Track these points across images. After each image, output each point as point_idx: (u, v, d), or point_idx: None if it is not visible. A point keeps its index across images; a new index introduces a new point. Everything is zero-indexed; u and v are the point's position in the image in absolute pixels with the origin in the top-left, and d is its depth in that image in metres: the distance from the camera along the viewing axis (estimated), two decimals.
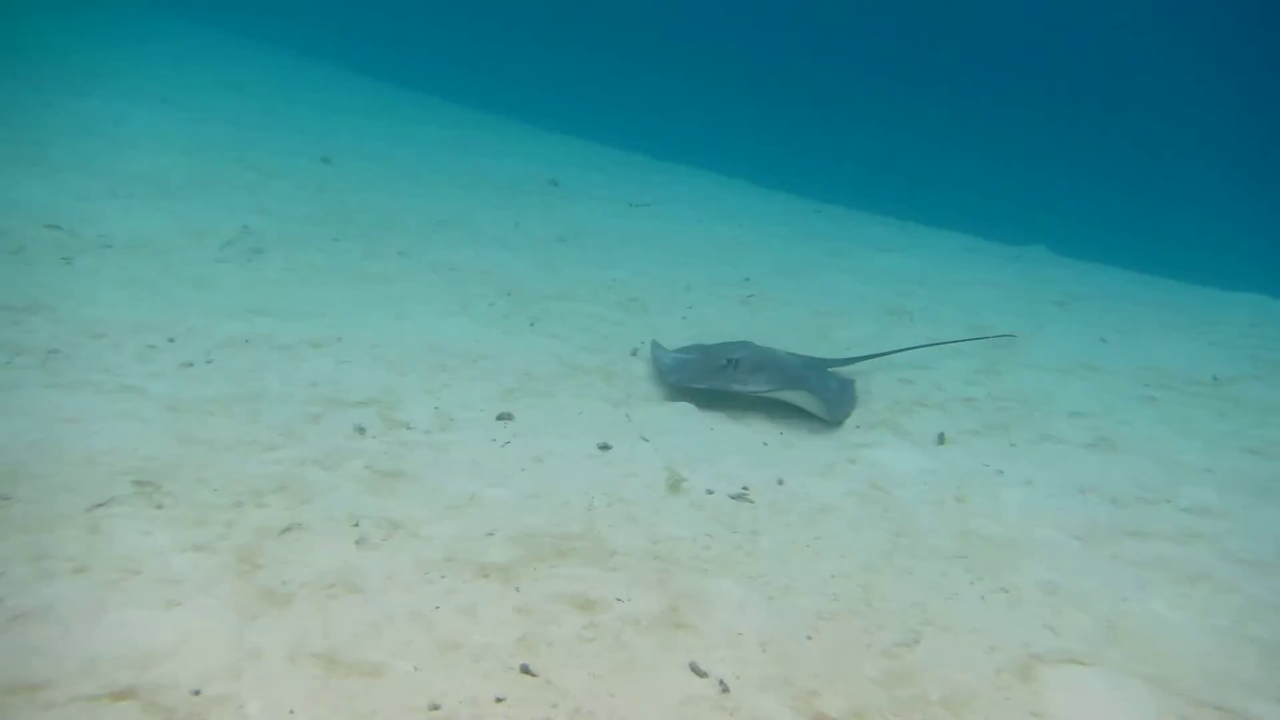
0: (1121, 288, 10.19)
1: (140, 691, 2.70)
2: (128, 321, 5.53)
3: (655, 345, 6.09)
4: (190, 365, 5.11)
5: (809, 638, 3.30)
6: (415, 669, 2.96)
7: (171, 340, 5.37)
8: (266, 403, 4.79)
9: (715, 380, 5.34)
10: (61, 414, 4.29)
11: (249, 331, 5.71)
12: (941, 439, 5.22)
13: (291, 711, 2.72)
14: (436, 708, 2.79)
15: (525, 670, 2.99)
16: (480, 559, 3.62)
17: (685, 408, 5.35)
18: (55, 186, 7.94)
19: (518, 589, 3.45)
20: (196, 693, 2.74)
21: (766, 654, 3.18)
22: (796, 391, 5.19)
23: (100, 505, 3.61)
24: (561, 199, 11.40)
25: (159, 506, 3.68)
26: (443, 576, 3.48)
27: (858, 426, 5.38)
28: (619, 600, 3.43)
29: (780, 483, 4.53)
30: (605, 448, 4.76)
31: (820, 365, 6.01)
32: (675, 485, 4.40)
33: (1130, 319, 8.43)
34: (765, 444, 5.01)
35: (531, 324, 6.65)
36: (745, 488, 4.44)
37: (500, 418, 4.99)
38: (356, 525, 3.76)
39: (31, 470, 3.77)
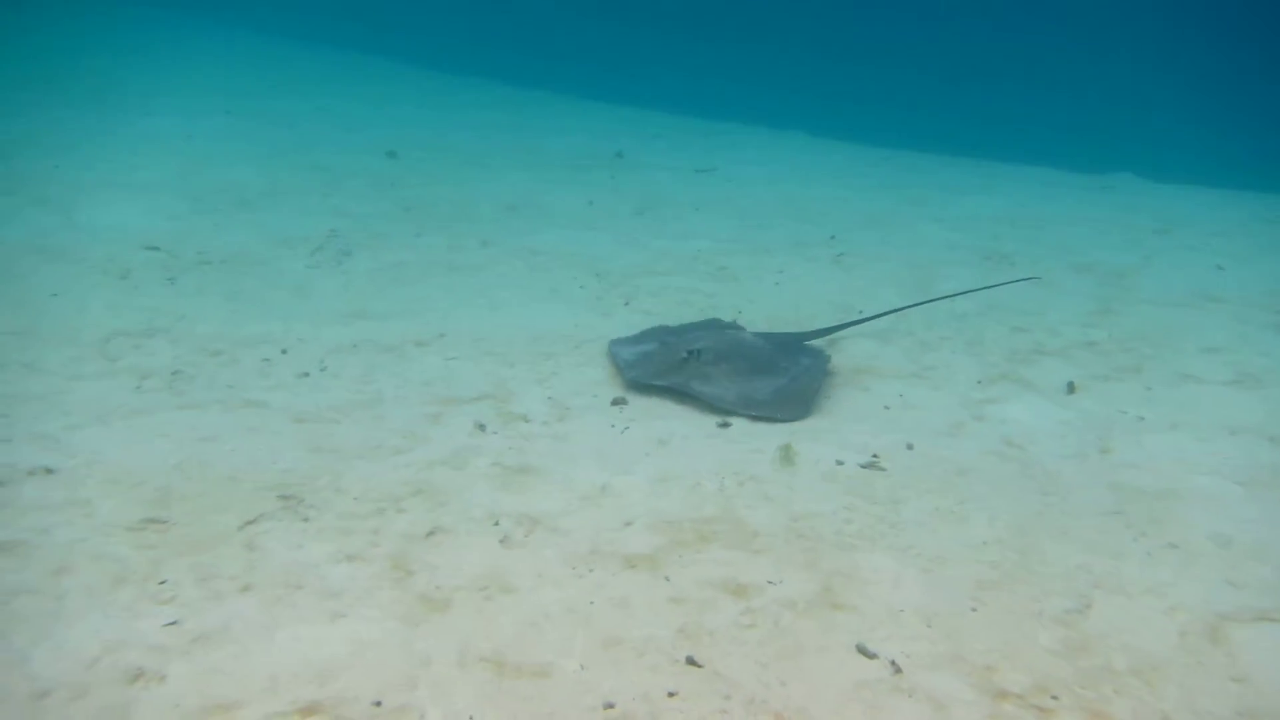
0: (1224, 209, 9.72)
1: (325, 706, 2.76)
2: (239, 336, 5.64)
3: (613, 342, 5.56)
4: (307, 375, 5.19)
5: (973, 609, 3.22)
6: (582, 667, 2.97)
7: (284, 351, 5.45)
8: (385, 406, 4.84)
9: (676, 375, 4.89)
10: (196, 433, 4.39)
11: (355, 336, 5.78)
12: (1071, 388, 5.04)
13: (471, 717, 2.75)
14: (611, 706, 2.80)
15: (691, 662, 2.98)
16: (624, 549, 3.62)
17: None
18: (146, 207, 8.13)
19: (667, 578, 3.43)
20: (378, 704, 2.78)
21: (933, 630, 3.12)
22: (756, 411, 4.72)
23: (251, 522, 3.69)
24: (627, 171, 11.30)
25: (305, 519, 3.75)
26: (591, 570, 3.48)
27: (979, 381, 5.22)
28: (771, 583, 3.39)
29: (910, 447, 4.42)
30: (725, 425, 4.71)
31: (793, 342, 5.45)
32: (802, 458, 4.33)
33: (1243, 242, 8.03)
34: (886, 408, 4.90)
35: (626, 303, 6.60)
36: (875, 455, 4.35)
37: (615, 403, 4.97)
38: (497, 524, 3.78)
39: (181, 492, 3.87)
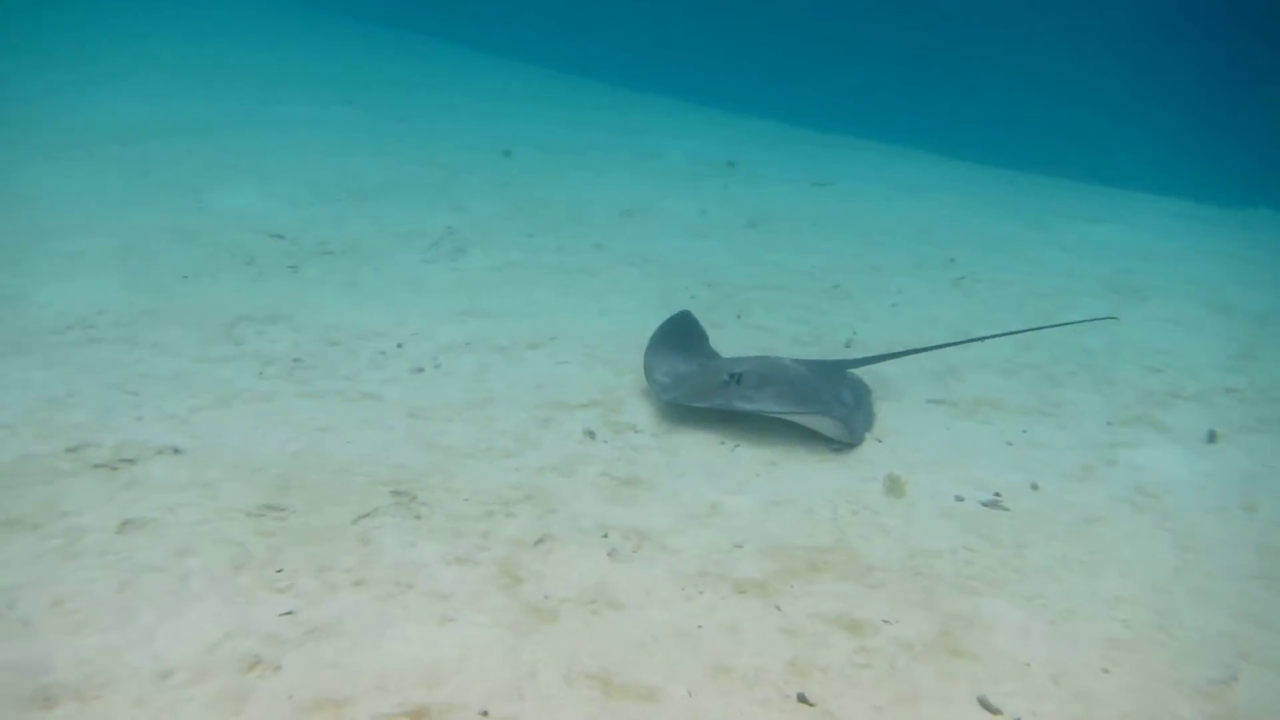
0: None
1: (433, 711, 2.75)
2: (357, 327, 5.76)
3: (649, 349, 5.29)
4: (421, 370, 5.26)
5: (1105, 671, 3.02)
6: (689, 694, 2.89)
7: (400, 346, 5.54)
8: (496, 407, 4.86)
9: (716, 398, 4.65)
10: (315, 423, 4.49)
11: (468, 334, 5.84)
12: (1212, 436, 4.73)
13: None
14: None
15: (803, 699, 2.87)
16: (733, 574, 3.53)
17: (916, 403, 5.08)
18: (271, 194, 8.41)
19: (778, 607, 3.32)
20: (484, 714, 2.76)
21: (1062, 689, 2.93)
22: (813, 416, 4.54)
23: (365, 516, 3.73)
24: (741, 181, 11.18)
25: (417, 517, 3.77)
26: (700, 592, 3.40)
27: (1109, 423, 4.94)
28: (886, 622, 3.25)
29: (1035, 488, 4.21)
30: (838, 449, 4.57)
31: (833, 370, 5.18)
32: (920, 491, 4.16)
33: None
34: (1009, 444, 4.68)
35: (738, 316, 6.51)
36: (997, 494, 4.15)
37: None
38: (605, 536, 3.74)
39: (299, 480, 3.95)
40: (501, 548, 3.61)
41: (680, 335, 5.51)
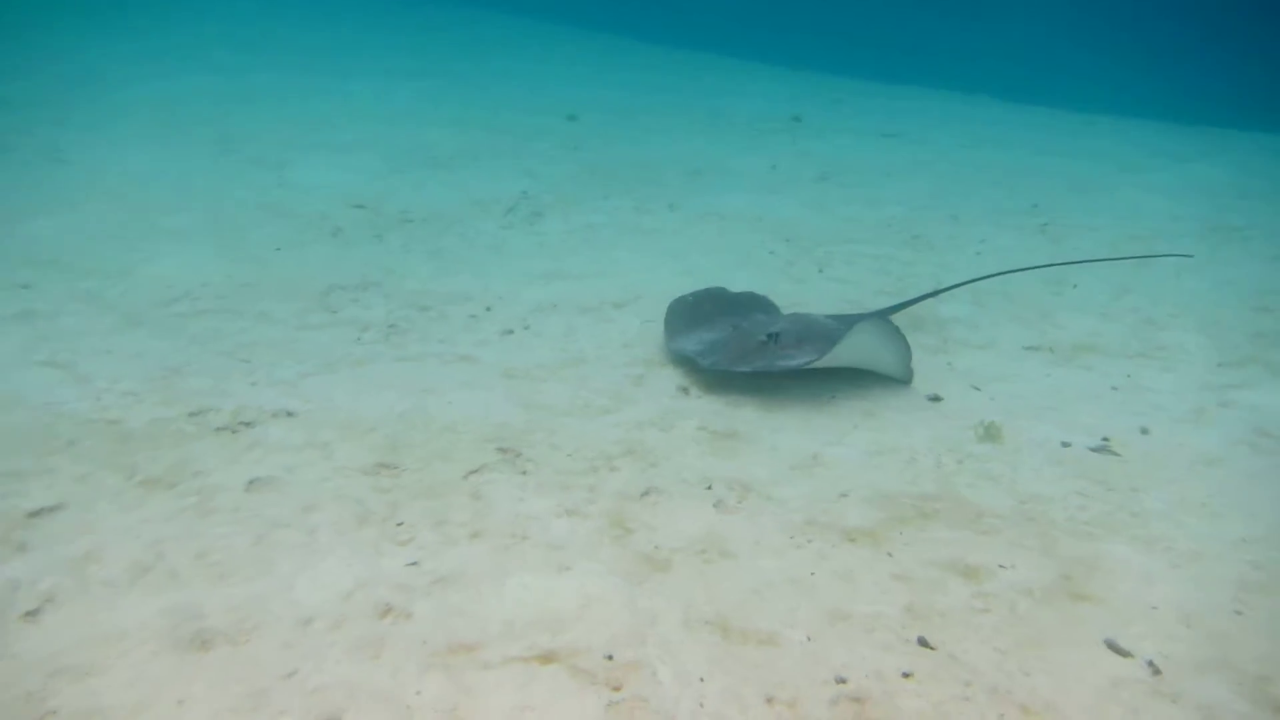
0: None
1: (561, 655, 2.82)
2: (445, 292, 5.86)
3: (670, 313, 5.22)
4: (511, 332, 5.33)
5: (1239, 613, 2.96)
6: (808, 638, 2.92)
7: (489, 309, 5.63)
8: (589, 366, 4.91)
9: (758, 359, 4.52)
10: (416, 385, 4.59)
11: (553, 296, 5.90)
12: None
13: (702, 679, 2.75)
14: (843, 681, 2.73)
15: (923, 643, 2.87)
16: (841, 522, 3.53)
17: (1012, 351, 4.99)
18: (350, 167, 8.56)
19: (890, 554, 3.32)
20: (609, 658, 2.82)
21: (1193, 631, 2.88)
22: (863, 350, 4.46)
23: (474, 472, 3.82)
24: (809, 135, 11.02)
25: (524, 473, 3.85)
26: (809, 541, 3.42)
27: (1219, 365, 4.80)
28: (1002, 567, 3.23)
29: (1144, 432, 4.11)
30: (936, 399, 4.53)
31: (865, 319, 4.98)
32: (1025, 438, 4.10)
33: None
34: (1114, 389, 4.58)
35: (820, 270, 6.45)
36: (1105, 439, 4.07)
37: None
38: (709, 488, 3.77)
39: (407, 440, 4.05)
40: (609, 501, 3.67)
41: (696, 307, 5.31)
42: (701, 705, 2.64)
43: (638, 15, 21.66)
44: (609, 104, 12.59)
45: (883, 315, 5.12)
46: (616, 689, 2.70)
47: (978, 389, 4.61)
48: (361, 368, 4.74)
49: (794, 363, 4.43)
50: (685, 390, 4.66)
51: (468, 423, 4.25)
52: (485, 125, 10.73)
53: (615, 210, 7.87)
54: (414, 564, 3.19)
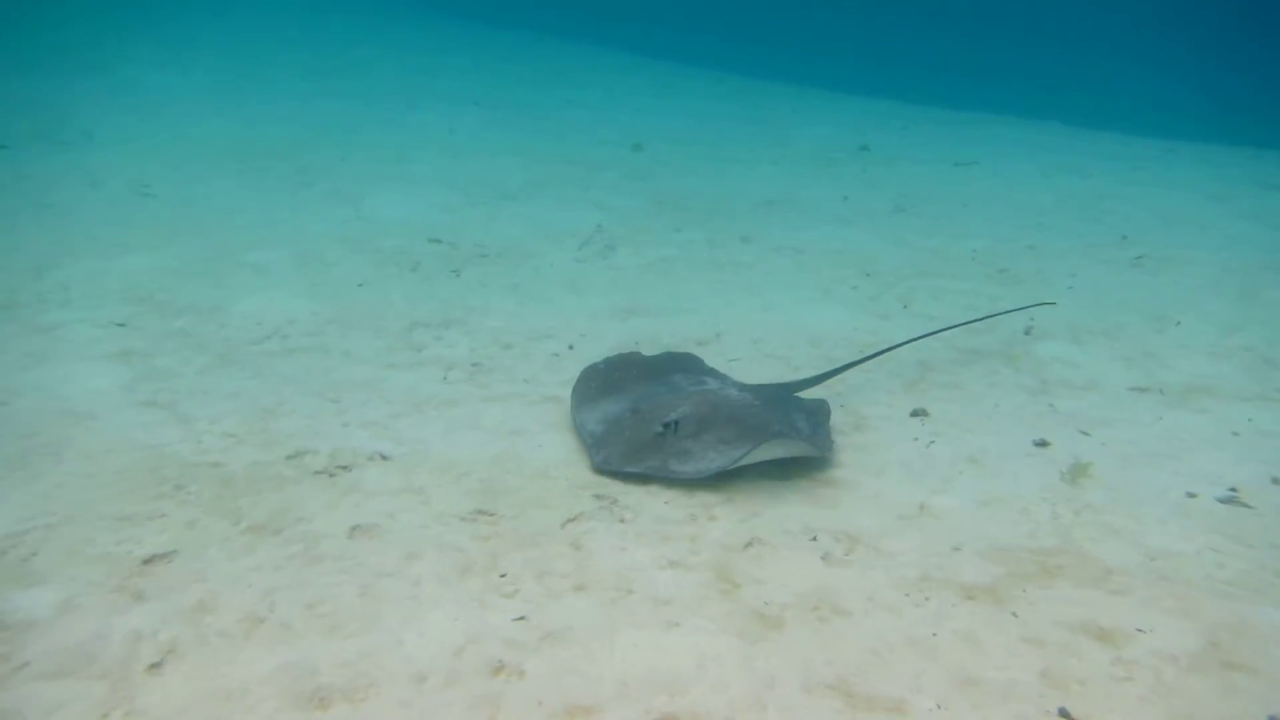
0: None
1: (681, 719, 2.72)
2: (526, 329, 5.83)
3: (575, 395, 4.59)
4: None
5: None
6: (938, 706, 2.77)
7: (571, 347, 5.58)
8: None
9: (652, 456, 3.99)
10: (505, 426, 4.54)
11: (634, 333, 5.84)
12: None
13: None
14: None
15: (1064, 715, 2.72)
16: (958, 578, 3.39)
17: (1117, 392, 4.80)
18: (423, 200, 8.63)
19: (1015, 614, 3.17)
20: None
21: None
22: (768, 444, 3.90)
23: (572, 520, 3.75)
24: (879, 165, 10.88)
25: (622, 520, 3.77)
26: (926, 598, 3.28)
27: None
28: (1140, 631, 3.05)
29: (1276, 481, 3.90)
30: (1042, 444, 4.36)
31: (784, 396, 4.59)
32: (1144, 488, 3.91)
33: None
34: (1235, 434, 4.36)
35: (904, 306, 6.30)
36: (1233, 489, 3.86)
37: (914, 414, 4.72)
38: (815, 539, 3.65)
39: (501, 485, 4.00)
40: (711, 552, 3.57)
41: (608, 375, 4.75)
42: None
43: (696, 43, 21.75)
44: (673, 133, 12.59)
45: (804, 386, 4.69)
46: None
47: (1086, 434, 4.43)
48: (450, 409, 4.72)
49: (688, 469, 3.94)
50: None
51: (560, 467, 4.18)
52: (552, 156, 10.78)
53: (688, 243, 7.81)
54: (521, 619, 3.12)
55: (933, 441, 4.45)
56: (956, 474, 4.15)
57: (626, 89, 16.46)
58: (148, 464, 3.84)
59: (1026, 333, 5.72)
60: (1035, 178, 10.04)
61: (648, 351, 5.54)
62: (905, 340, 5.12)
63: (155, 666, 2.70)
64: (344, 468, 4.01)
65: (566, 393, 4.97)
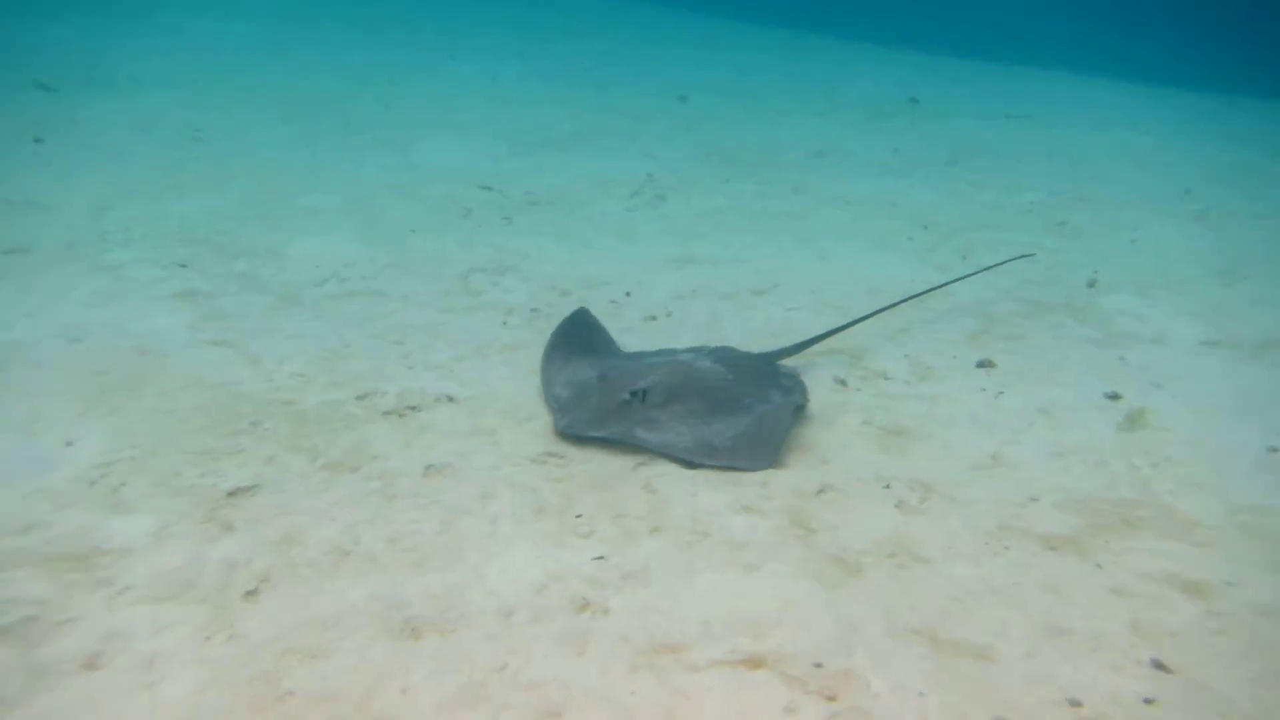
0: None
1: (768, 661, 2.71)
2: (582, 276, 5.79)
3: (549, 350, 4.42)
4: (654, 319, 5.24)
5: None
6: (1028, 654, 2.75)
7: (628, 294, 5.54)
8: None
9: (616, 423, 3.80)
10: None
11: (690, 282, 5.78)
12: None
13: (921, 693, 2.61)
14: (1077, 704, 2.57)
15: (1159, 666, 2.69)
16: (1037, 528, 3.35)
17: (1188, 346, 4.70)
18: (471, 147, 8.57)
19: (1099, 565, 3.13)
20: (818, 666, 2.71)
21: None
22: (709, 457, 3.72)
23: (642, 464, 3.73)
24: (929, 117, 10.66)
25: (692, 465, 3.75)
26: (1006, 548, 3.25)
27: None
28: (1229, 584, 3.01)
29: None
30: (1114, 397, 4.28)
31: (762, 366, 4.34)
32: (1227, 443, 3.84)
33: None
34: None
35: (963, 258, 6.20)
36: None
37: (980, 365, 4.66)
38: (888, 487, 3.62)
39: None
40: (783, 497, 3.55)
41: (585, 332, 4.65)
42: None
43: None
44: (718, 85, 12.40)
45: (785, 354, 4.51)
46: (832, 699, 2.58)
47: (1159, 386, 4.35)
48: (511, 353, 4.70)
49: (653, 438, 3.75)
50: (843, 382, 4.51)
51: None
52: (597, 107, 10.65)
53: (738, 194, 7.72)
54: (601, 558, 3.12)
55: (1001, 392, 4.39)
56: (1027, 425, 4.10)
57: (669, 41, 16.21)
58: (222, 401, 3.86)
59: (1090, 285, 5.61)
60: (1089, 131, 9.81)
61: (706, 301, 5.50)
62: (887, 305, 4.87)
63: (251, 594, 2.73)
64: (412, 408, 4.01)
65: (628, 339, 4.95)
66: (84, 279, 4.97)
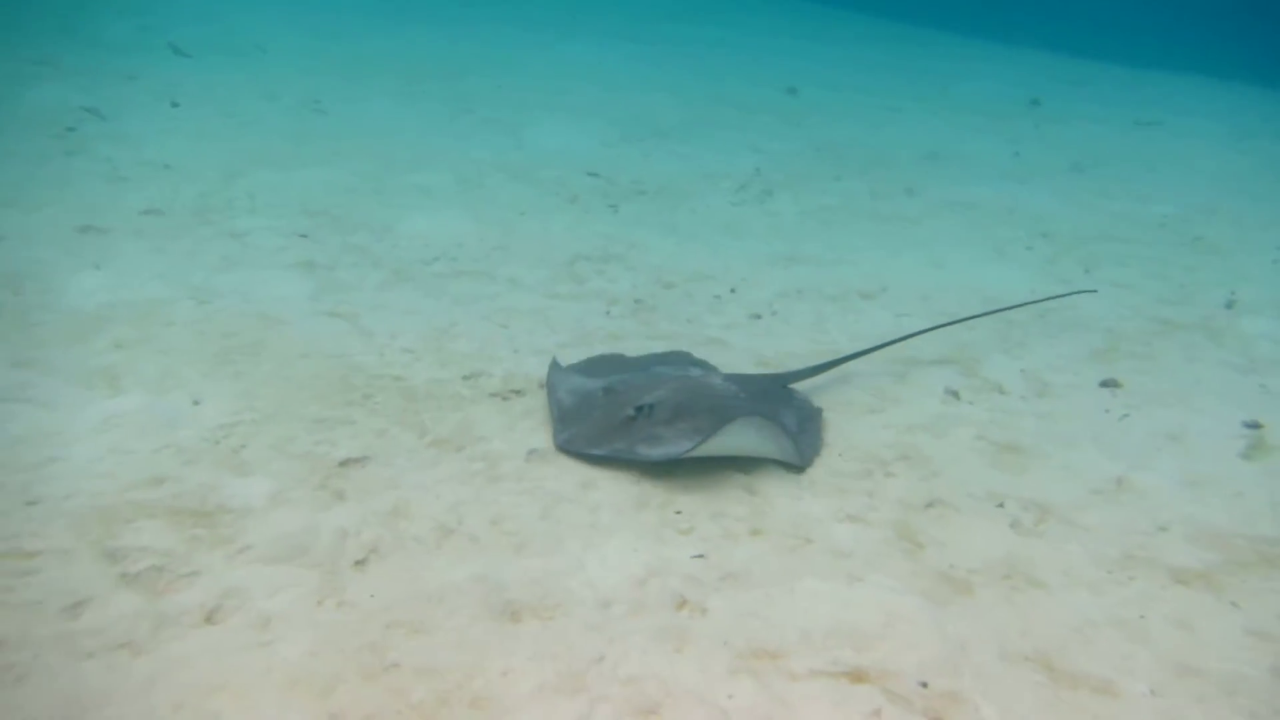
0: None
1: (870, 675, 2.63)
2: (686, 270, 5.74)
3: (553, 367, 4.08)
4: (758, 317, 5.16)
5: None
6: (1154, 692, 2.60)
7: (733, 290, 5.47)
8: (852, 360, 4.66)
9: (617, 439, 3.54)
10: None
11: (796, 281, 5.67)
12: None
13: None
14: None
15: None
16: (1165, 560, 3.16)
17: None
18: (581, 132, 8.59)
19: (1234, 604, 2.94)
20: (924, 685, 2.61)
21: None
22: (739, 434, 3.44)
23: (744, 466, 3.67)
24: (1052, 121, 10.24)
25: (798, 470, 3.67)
26: (1131, 578, 3.08)
27: None
28: None
29: None
30: (1254, 426, 4.02)
31: (772, 388, 4.09)
32: None
33: None
34: None
35: (1086, 270, 5.92)
36: None
37: (1104, 384, 4.44)
38: (1001, 506, 3.48)
39: None
40: (890, 509, 3.44)
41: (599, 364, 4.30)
42: None
43: None
44: (827, 78, 12.16)
45: (800, 377, 4.21)
46: None
47: None
48: (615, 342, 4.69)
49: (655, 453, 3.48)
50: (956, 394, 4.35)
51: None
52: (705, 95, 10.56)
53: (848, 193, 7.54)
54: (700, 556, 3.08)
55: (1126, 415, 4.18)
56: (1155, 450, 3.88)
57: (778, 30, 15.99)
58: (337, 372, 3.96)
59: (1229, 306, 5.30)
60: (1227, 140, 9.27)
61: (812, 302, 5.39)
62: (919, 331, 4.57)
63: (360, 563, 2.78)
64: (516, 392, 4.03)
65: (730, 336, 4.89)
66: (213, 244, 5.17)
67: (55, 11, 10.25)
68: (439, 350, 4.32)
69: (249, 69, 9.20)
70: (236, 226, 5.44)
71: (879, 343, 4.47)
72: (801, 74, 12.21)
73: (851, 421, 4.07)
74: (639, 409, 3.59)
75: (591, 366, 4.22)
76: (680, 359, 4.40)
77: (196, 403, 3.57)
